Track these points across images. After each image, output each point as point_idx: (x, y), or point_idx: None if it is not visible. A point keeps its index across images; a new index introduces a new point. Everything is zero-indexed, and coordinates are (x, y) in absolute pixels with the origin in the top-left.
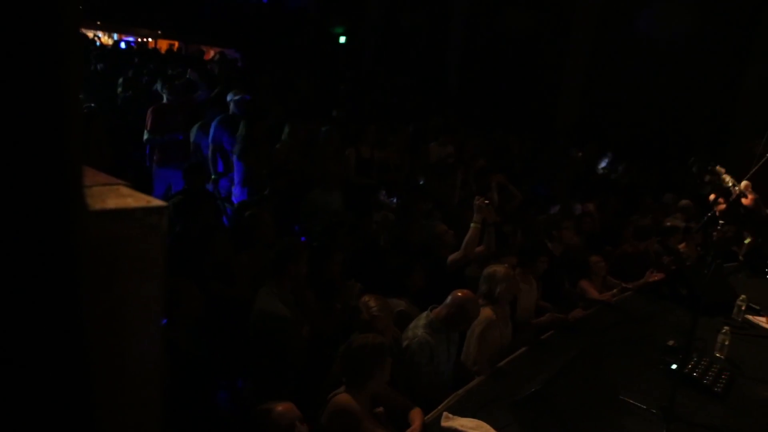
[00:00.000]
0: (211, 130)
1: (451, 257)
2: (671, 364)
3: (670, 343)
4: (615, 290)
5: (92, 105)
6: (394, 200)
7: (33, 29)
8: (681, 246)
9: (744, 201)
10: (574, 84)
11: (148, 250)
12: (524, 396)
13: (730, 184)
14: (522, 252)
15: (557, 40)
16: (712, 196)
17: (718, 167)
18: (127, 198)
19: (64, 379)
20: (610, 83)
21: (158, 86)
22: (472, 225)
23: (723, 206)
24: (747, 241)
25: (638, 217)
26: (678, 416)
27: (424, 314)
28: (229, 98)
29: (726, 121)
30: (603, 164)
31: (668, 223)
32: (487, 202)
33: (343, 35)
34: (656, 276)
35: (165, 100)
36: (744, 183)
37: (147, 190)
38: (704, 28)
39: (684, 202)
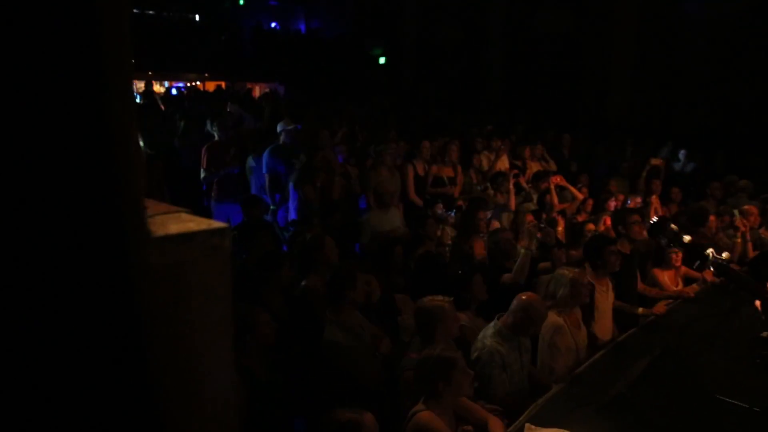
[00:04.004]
0: (264, 160)
1: (504, 278)
2: None
3: (765, 334)
4: (695, 285)
5: (149, 151)
6: (452, 213)
7: (84, 91)
8: (762, 231)
9: None
10: (622, 75)
11: (214, 272)
12: (609, 400)
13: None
14: (588, 250)
15: (600, 32)
16: None
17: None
18: (188, 223)
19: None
20: (661, 69)
21: (208, 126)
22: (522, 251)
23: None
24: None
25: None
26: None
27: (492, 323)
28: (279, 129)
29: None
30: (663, 155)
31: (744, 207)
32: (540, 229)
33: (382, 56)
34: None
35: (216, 138)
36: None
37: None
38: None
39: (743, 181)
